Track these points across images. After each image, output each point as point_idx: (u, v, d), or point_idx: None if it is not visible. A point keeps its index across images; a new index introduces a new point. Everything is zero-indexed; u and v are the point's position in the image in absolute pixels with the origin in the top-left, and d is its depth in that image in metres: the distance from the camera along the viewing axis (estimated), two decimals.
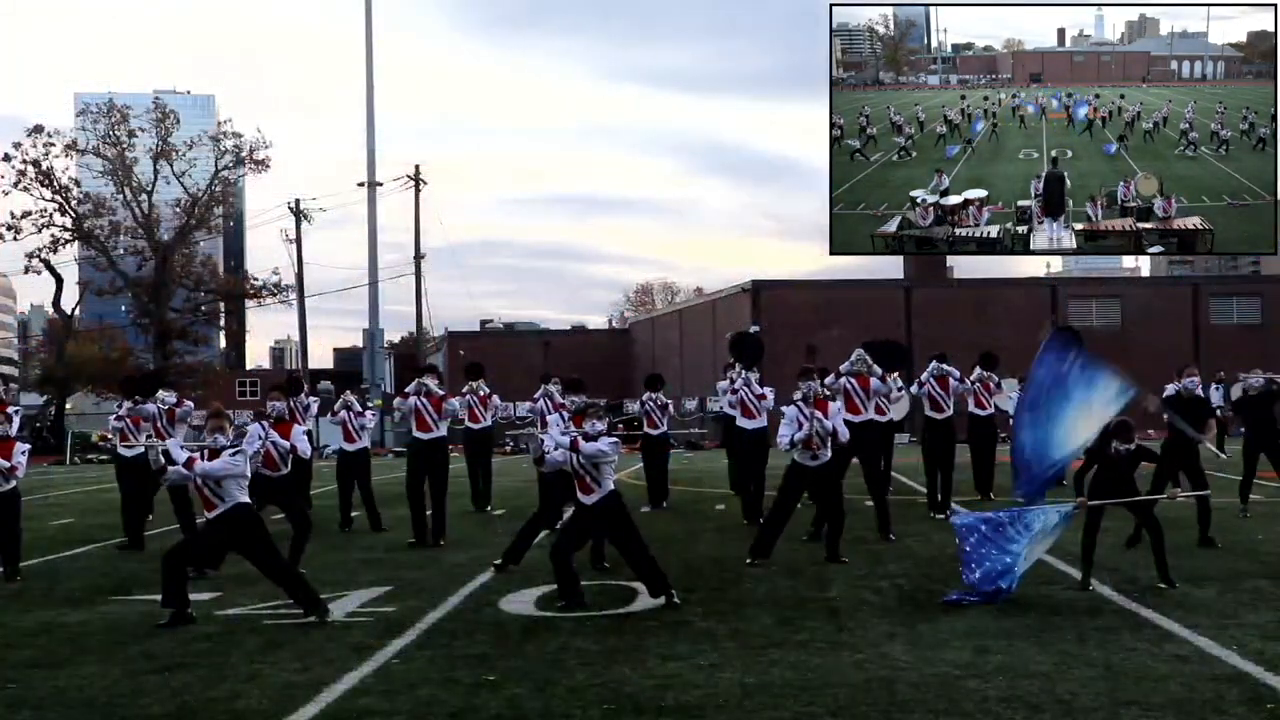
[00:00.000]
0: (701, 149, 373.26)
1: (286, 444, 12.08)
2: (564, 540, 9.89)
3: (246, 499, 9.35)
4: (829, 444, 11.79)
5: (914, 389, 16.45)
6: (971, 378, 17.59)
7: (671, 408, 18.98)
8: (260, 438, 11.96)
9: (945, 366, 16.09)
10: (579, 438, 9.69)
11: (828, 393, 18.25)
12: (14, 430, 12.97)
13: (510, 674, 7.38)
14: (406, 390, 14.86)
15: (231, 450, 9.27)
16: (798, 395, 12.07)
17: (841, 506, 12.13)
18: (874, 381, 14.16)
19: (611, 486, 9.72)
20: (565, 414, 12.50)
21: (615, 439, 9.96)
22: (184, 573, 9.49)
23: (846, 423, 13.80)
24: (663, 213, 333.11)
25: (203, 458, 9.24)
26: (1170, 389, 13.18)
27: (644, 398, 18.31)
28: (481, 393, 18.10)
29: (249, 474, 9.54)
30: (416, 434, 14.58)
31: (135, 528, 14.78)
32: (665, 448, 18.60)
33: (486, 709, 6.61)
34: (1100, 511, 10.12)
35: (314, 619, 9.14)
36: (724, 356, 16.40)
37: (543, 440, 10.19)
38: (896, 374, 18.34)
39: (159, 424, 14.22)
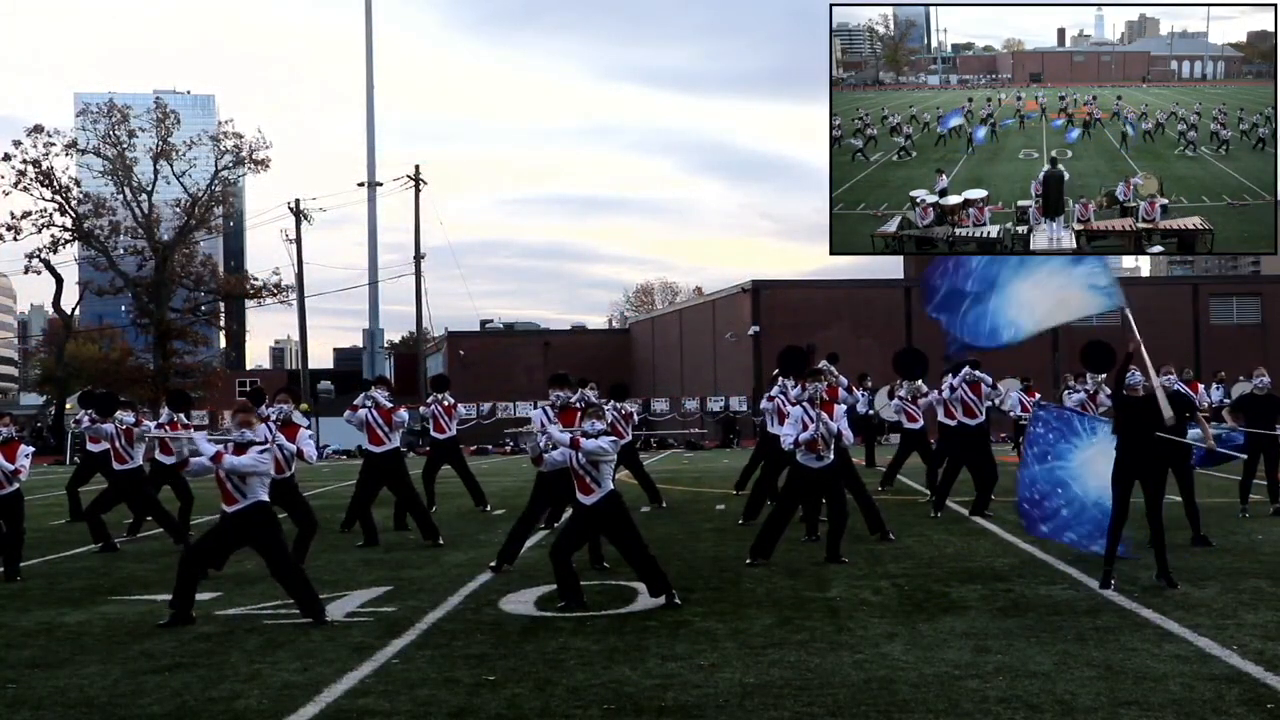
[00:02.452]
0: (699, 148, 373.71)
1: (292, 447, 12.08)
2: (564, 540, 9.88)
3: (266, 497, 9.35)
4: (832, 445, 11.79)
5: (945, 393, 16.31)
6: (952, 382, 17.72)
7: (636, 416, 18.93)
8: (266, 439, 11.99)
9: (978, 373, 16.05)
10: (579, 436, 9.67)
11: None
12: (27, 474, 13.32)
13: (510, 674, 7.38)
14: (355, 403, 14.86)
15: (260, 448, 9.29)
16: (774, 391, 12.09)
17: (844, 507, 12.14)
18: (841, 392, 14.18)
19: (611, 486, 9.71)
20: (552, 410, 12.40)
21: (615, 438, 9.95)
22: (196, 575, 9.46)
23: None
24: (661, 212, 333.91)
25: (228, 451, 9.25)
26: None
27: (609, 406, 17.32)
28: (446, 403, 18.04)
29: (273, 472, 9.56)
30: (369, 446, 14.64)
31: (135, 524, 15.58)
32: (634, 453, 18.61)
33: (486, 709, 6.61)
34: (1128, 495, 10.08)
35: (310, 621, 9.13)
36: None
37: (541, 439, 10.17)
38: (920, 380, 18.38)
39: (117, 444, 14.28)
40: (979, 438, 15.90)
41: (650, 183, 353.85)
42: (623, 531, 9.71)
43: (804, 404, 11.87)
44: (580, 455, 9.58)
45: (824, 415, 11.66)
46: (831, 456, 11.84)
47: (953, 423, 16.22)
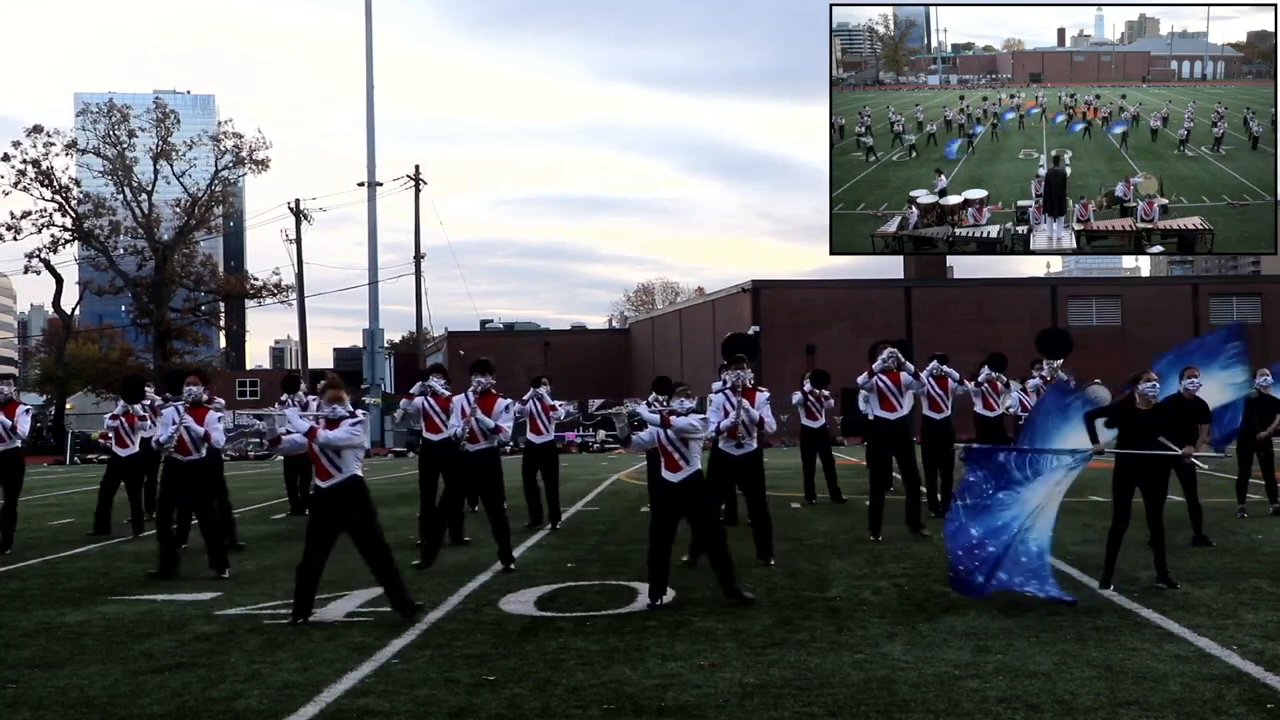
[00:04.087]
0: (696, 148, 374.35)
1: (200, 429, 11.95)
2: (657, 528, 9.79)
3: (360, 471, 9.37)
4: (754, 433, 11.78)
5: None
6: (979, 378, 17.62)
7: (562, 410, 18.05)
8: (174, 422, 11.95)
9: (946, 367, 16.03)
10: (670, 414, 9.68)
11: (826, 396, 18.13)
12: (26, 430, 13.89)
13: (510, 674, 7.38)
14: (412, 391, 14.72)
15: (352, 421, 9.32)
16: (717, 386, 12.06)
17: (767, 512, 12.02)
18: (905, 377, 13.98)
19: (698, 466, 9.71)
20: (473, 396, 12.27)
21: (705, 415, 9.98)
22: (315, 578, 9.38)
23: (883, 419, 13.88)
24: (659, 212, 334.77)
25: (321, 427, 9.27)
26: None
27: (530, 396, 16.29)
28: (546, 401, 17.51)
29: (368, 445, 9.52)
30: (426, 435, 14.42)
31: (136, 523, 15.63)
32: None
33: (486, 709, 6.60)
34: (1129, 500, 10.07)
35: (403, 617, 9.04)
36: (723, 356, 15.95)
37: (630, 417, 10.21)
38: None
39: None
40: (944, 433, 15.74)
41: (648, 182, 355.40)
42: (705, 512, 9.69)
43: (725, 391, 11.86)
44: (670, 432, 9.60)
45: (745, 403, 11.63)
46: (754, 444, 11.83)
47: (984, 416, 16.43)
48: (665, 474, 9.74)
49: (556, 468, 16.20)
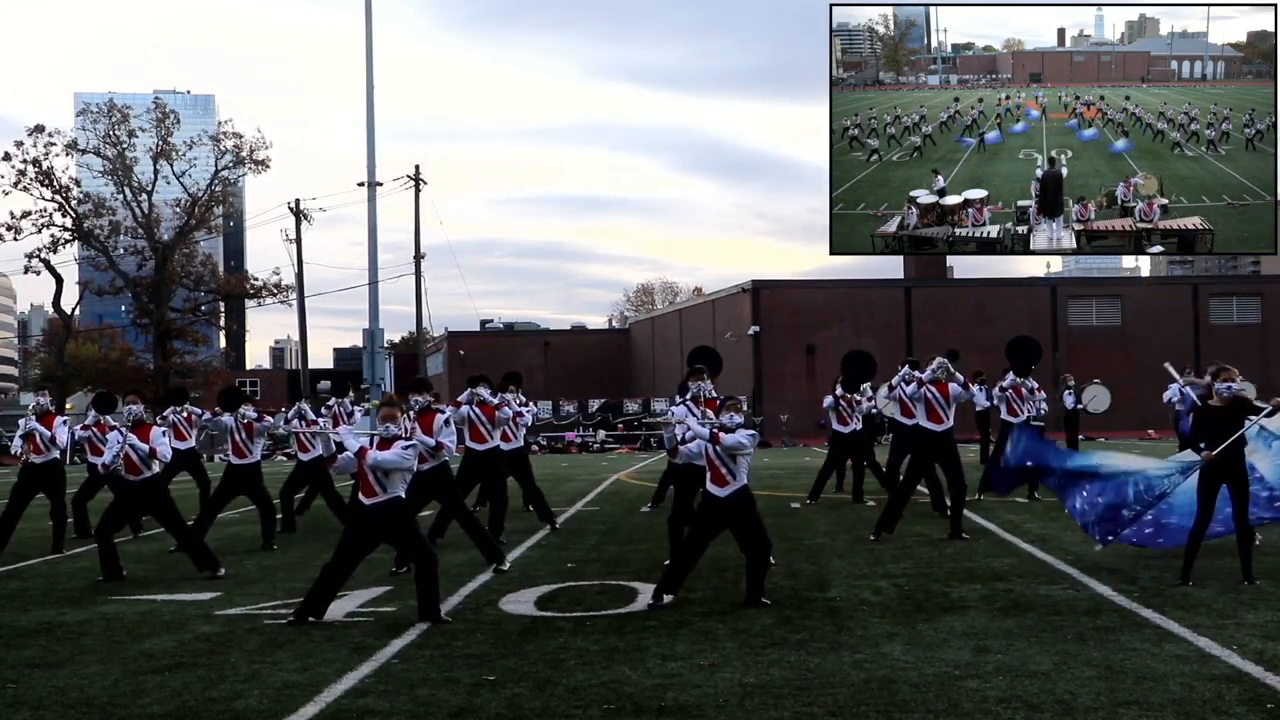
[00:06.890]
0: (692, 148, 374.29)
1: (146, 447, 11.87)
2: (696, 532, 9.79)
3: (403, 493, 9.33)
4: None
5: (912, 390, 16.25)
6: (1004, 384, 17.64)
7: (531, 414, 16.33)
8: (119, 443, 11.87)
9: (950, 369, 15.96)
10: (719, 430, 9.63)
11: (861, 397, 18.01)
12: (65, 441, 14.71)
13: (510, 674, 7.39)
14: (459, 399, 14.45)
15: (405, 444, 9.28)
16: (681, 396, 11.97)
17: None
18: (953, 388, 13.77)
19: (745, 480, 9.65)
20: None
21: (754, 431, 9.94)
22: (338, 582, 9.37)
23: (930, 431, 13.78)
24: (655, 212, 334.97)
25: (372, 446, 9.25)
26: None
27: (509, 395, 15.52)
28: (519, 400, 17.17)
29: (415, 467, 9.58)
30: (471, 444, 14.09)
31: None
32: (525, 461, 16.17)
33: (486, 709, 6.61)
34: (1213, 498, 10.09)
35: (429, 624, 8.95)
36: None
37: (679, 430, 10.13)
38: (867, 385, 18.23)
39: (237, 438, 14.35)
40: (945, 438, 14.17)
41: (644, 182, 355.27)
42: (751, 527, 9.62)
43: (687, 402, 11.79)
44: (717, 448, 9.55)
45: (709, 413, 11.54)
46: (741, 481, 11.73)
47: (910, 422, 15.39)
48: (712, 488, 9.66)
49: (501, 482, 14.41)
